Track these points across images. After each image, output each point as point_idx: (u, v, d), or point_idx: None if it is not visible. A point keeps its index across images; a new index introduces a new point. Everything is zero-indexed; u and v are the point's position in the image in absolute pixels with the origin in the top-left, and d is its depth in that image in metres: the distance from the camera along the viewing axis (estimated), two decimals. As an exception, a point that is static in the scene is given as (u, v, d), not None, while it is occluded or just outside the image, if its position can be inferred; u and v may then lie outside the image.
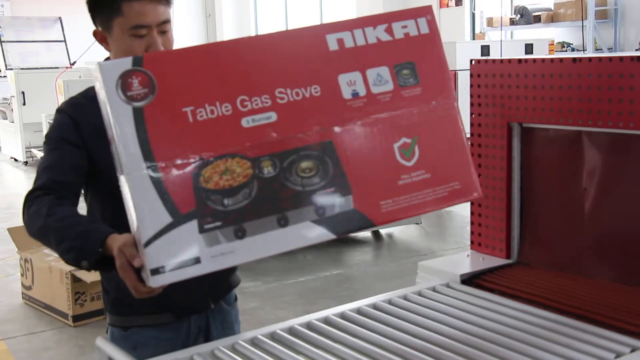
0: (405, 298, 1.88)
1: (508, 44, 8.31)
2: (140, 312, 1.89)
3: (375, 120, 1.46)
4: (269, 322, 1.75)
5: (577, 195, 1.95)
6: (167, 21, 1.82)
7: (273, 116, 1.40)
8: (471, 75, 2.14)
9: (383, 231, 6.64)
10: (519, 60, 2.01)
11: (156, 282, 1.32)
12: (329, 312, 1.78)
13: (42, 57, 12.46)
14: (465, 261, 2.13)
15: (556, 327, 1.65)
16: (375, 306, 1.83)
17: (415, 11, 1.53)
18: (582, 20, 7.92)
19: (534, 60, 1.97)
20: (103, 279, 1.97)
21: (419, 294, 1.91)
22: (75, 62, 9.50)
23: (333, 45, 1.46)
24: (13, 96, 11.61)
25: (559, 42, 10.33)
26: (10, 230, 5.21)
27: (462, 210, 6.89)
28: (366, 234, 6.52)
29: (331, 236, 1.41)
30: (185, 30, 16.62)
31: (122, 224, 1.62)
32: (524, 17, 10.72)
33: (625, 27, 9.86)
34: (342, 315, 1.77)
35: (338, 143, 1.43)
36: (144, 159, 1.32)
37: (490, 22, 11.40)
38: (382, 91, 1.47)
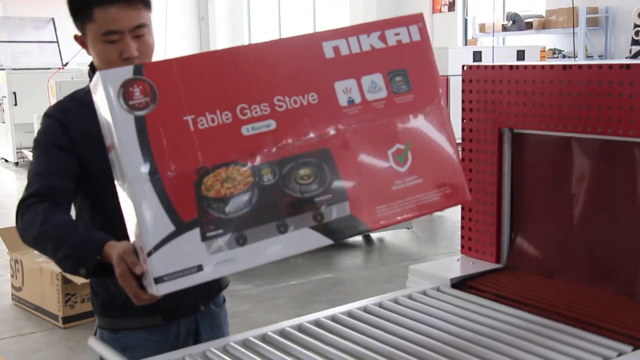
0: (395, 301, 1.90)
1: (500, 50, 8.35)
2: (129, 315, 1.88)
3: (370, 127, 1.48)
4: (260, 324, 1.76)
5: (566, 201, 1.97)
6: (141, 25, 1.77)
7: (272, 124, 1.41)
8: (463, 81, 2.16)
9: (374, 235, 6.65)
10: (510, 67, 2.03)
11: (160, 291, 1.33)
12: (320, 314, 1.79)
13: (35, 58, 12.42)
14: (455, 265, 2.15)
15: (544, 331, 1.67)
16: (366, 309, 1.84)
17: (407, 19, 1.56)
18: (573, 27, 7.96)
19: (525, 66, 1.99)
20: (92, 281, 1.96)
21: (410, 297, 1.93)
22: (67, 63, 9.47)
23: (329, 53, 1.48)
24: (5, 96, 11.58)
25: (550, 49, 10.38)
26: (0, 231, 5.20)
27: (453, 215, 6.91)
28: (357, 238, 6.53)
29: (329, 242, 1.44)
30: (179, 33, 16.61)
31: (112, 228, 1.63)
32: (516, 23, 10.77)
33: (616, 34, 9.93)
34: (333, 318, 1.79)
35: (335, 150, 1.45)
36: (146, 168, 1.33)
37: (482, 28, 11.45)
38: (377, 98, 1.50)
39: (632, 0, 9.24)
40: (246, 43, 17.78)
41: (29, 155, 11.05)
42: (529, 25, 10.57)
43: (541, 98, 1.94)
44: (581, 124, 1.85)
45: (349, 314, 1.81)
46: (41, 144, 1.82)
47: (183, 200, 1.34)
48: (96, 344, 1.64)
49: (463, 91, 2.16)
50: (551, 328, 1.68)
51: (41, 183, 1.74)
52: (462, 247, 2.24)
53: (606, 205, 1.89)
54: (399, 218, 1.49)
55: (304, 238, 1.42)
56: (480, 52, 7.74)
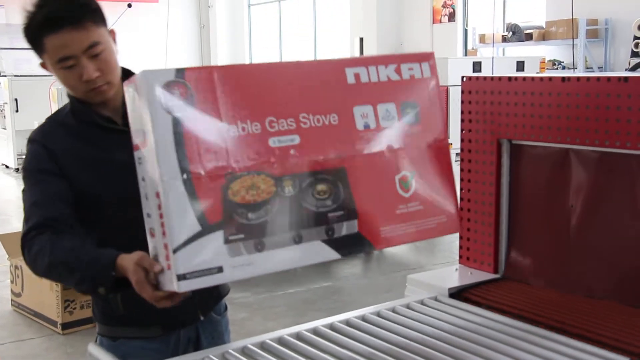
0: (393, 310, 1.91)
1: (500, 61, 8.37)
2: (128, 325, 1.88)
3: (382, 152, 1.58)
4: (258, 332, 1.77)
5: (564, 212, 1.98)
6: (94, 44, 1.73)
7: (296, 139, 1.48)
8: (462, 92, 2.17)
9: (373, 244, 6.66)
10: (509, 78, 2.04)
11: (181, 288, 1.37)
12: (318, 323, 1.80)
13: (36, 65, 12.34)
14: (453, 275, 2.16)
15: (541, 342, 1.67)
16: (364, 318, 1.85)
17: (421, 56, 1.66)
18: (573, 38, 8.00)
19: (524, 78, 2.01)
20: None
21: (408, 306, 1.93)
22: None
23: (351, 79, 1.57)
24: (6, 103, 11.60)
25: (550, 60, 10.42)
26: (0, 237, 5.20)
27: (452, 225, 6.91)
28: (356, 246, 6.55)
29: (337, 256, 1.52)
30: (180, 41, 16.66)
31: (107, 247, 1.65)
32: (516, 34, 10.82)
33: (616, 46, 9.97)
34: (331, 327, 1.79)
35: (350, 170, 1.53)
36: (180, 167, 1.37)
37: (482, 39, 11.49)
38: (388, 126, 1.59)
39: (632, 12, 9.29)
40: (247, 52, 17.75)
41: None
42: (529, 37, 10.62)
43: (540, 110, 1.95)
44: (579, 135, 1.87)
45: (347, 323, 1.82)
46: (31, 172, 1.80)
47: (210, 203, 1.39)
48: (95, 350, 1.65)
49: (462, 102, 2.17)
50: (548, 339, 1.69)
51: (40, 214, 1.72)
52: (460, 257, 2.25)
53: (604, 217, 1.90)
54: (399, 240, 1.60)
55: (315, 250, 1.49)
56: (480, 63, 7.75)
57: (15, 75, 11.91)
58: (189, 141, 1.38)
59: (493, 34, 10.52)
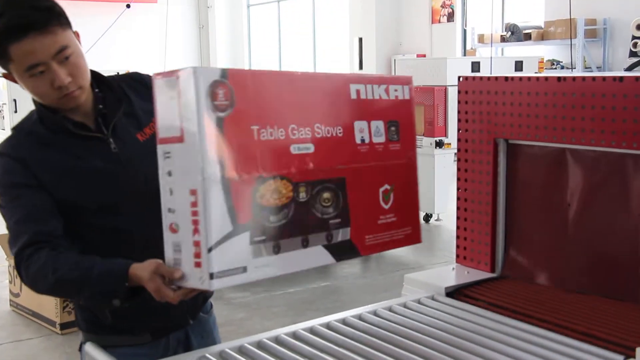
0: (390, 310, 1.91)
1: (498, 61, 8.37)
2: (117, 333, 1.83)
3: (372, 166, 1.68)
4: (256, 332, 1.77)
5: (560, 211, 1.98)
6: (63, 48, 1.64)
7: (311, 147, 1.55)
8: (459, 92, 2.18)
9: (372, 244, 6.67)
10: (506, 78, 2.05)
11: (213, 286, 1.40)
12: (315, 322, 1.81)
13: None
14: (450, 274, 2.17)
15: (537, 340, 1.68)
16: (360, 317, 1.86)
17: (403, 79, 1.78)
18: (571, 38, 8.01)
19: (520, 78, 2.02)
20: (75, 300, 1.89)
21: (404, 305, 1.94)
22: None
23: (353, 94, 1.66)
24: (5, 104, 11.59)
25: (548, 60, 10.42)
26: (-1, 237, 5.21)
27: (450, 225, 6.93)
28: (355, 246, 6.56)
29: (333, 261, 1.61)
30: (179, 41, 16.66)
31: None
32: (515, 34, 10.82)
33: (614, 46, 9.98)
34: (328, 326, 1.80)
35: (348, 180, 1.62)
36: (219, 167, 1.40)
37: (481, 39, 11.49)
38: (379, 142, 1.69)
39: (631, 12, 9.30)
40: (246, 52, 17.70)
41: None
42: (528, 36, 10.62)
43: (536, 109, 1.96)
44: (575, 135, 1.87)
45: (344, 322, 1.83)
46: (7, 187, 1.70)
47: (241, 204, 1.43)
48: (93, 349, 1.65)
49: (459, 102, 2.18)
50: (544, 337, 1.70)
51: (29, 231, 1.66)
52: (458, 256, 2.26)
53: (600, 215, 1.91)
54: (378, 249, 1.71)
55: (317, 254, 1.57)
56: (478, 63, 7.75)
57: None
58: (229, 142, 1.41)
59: (491, 34, 10.52)
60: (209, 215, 1.38)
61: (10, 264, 5.17)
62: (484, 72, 7.52)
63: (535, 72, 8.00)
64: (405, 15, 13.24)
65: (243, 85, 1.45)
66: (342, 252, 1.61)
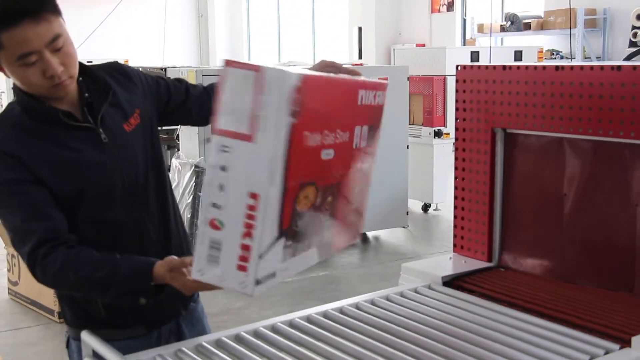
0: (387, 299, 1.91)
1: (497, 51, 8.36)
2: (110, 327, 1.80)
3: (357, 169, 1.68)
4: (254, 321, 1.78)
5: (557, 201, 1.99)
6: (57, 37, 1.58)
7: (332, 153, 1.52)
8: (457, 81, 2.18)
9: (370, 234, 6.67)
10: (504, 67, 2.05)
11: (256, 292, 1.38)
12: (312, 310, 1.81)
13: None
14: (447, 264, 2.17)
15: (533, 329, 1.68)
16: (357, 306, 1.86)
17: (382, 85, 1.75)
18: (570, 28, 7.99)
19: (518, 67, 2.01)
20: (64, 297, 1.83)
21: (401, 294, 1.94)
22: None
23: (359, 100, 1.64)
24: (3, 92, 11.58)
25: (548, 50, 10.40)
26: (-3, 226, 5.21)
27: (449, 214, 6.93)
28: (353, 236, 6.57)
29: (317, 260, 1.61)
30: (178, 30, 16.61)
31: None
32: (514, 24, 10.79)
33: (614, 36, 9.95)
34: (325, 315, 1.80)
35: (341, 185, 1.62)
36: (284, 173, 1.36)
37: (481, 29, 11.46)
38: (364, 146, 1.69)
39: (630, 1, 9.26)
40: (245, 41, 17.60)
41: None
42: (527, 26, 10.59)
43: (534, 99, 1.96)
44: (572, 124, 1.87)
45: (341, 311, 1.83)
46: (4, 185, 1.62)
47: (287, 210, 1.41)
48: (89, 338, 1.66)
49: (457, 91, 2.18)
50: (540, 326, 1.70)
51: (39, 229, 1.60)
52: (455, 245, 2.26)
53: (597, 205, 1.91)
54: (342, 247, 1.74)
55: (311, 255, 1.57)
56: (477, 53, 7.73)
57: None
58: (294, 149, 1.37)
59: (491, 24, 10.50)
60: (267, 222, 1.35)
61: (8, 253, 5.17)
62: (483, 62, 7.50)
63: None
64: (405, 5, 13.20)
65: (310, 91, 1.40)
66: (323, 251, 1.61)
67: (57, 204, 1.65)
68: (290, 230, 1.43)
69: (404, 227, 6.70)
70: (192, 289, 1.56)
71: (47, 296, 4.77)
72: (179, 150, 5.82)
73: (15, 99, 1.71)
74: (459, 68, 2.18)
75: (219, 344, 1.66)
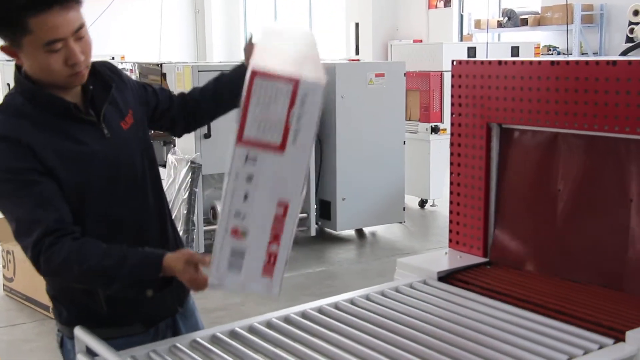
0: (382, 294, 1.91)
1: (494, 46, 8.34)
2: (109, 325, 1.79)
3: None
4: (249, 317, 1.77)
5: (552, 196, 1.98)
6: (82, 26, 1.61)
7: None
8: (452, 76, 2.17)
9: (367, 230, 6.66)
10: (499, 62, 2.04)
11: (278, 294, 1.44)
12: (307, 306, 1.81)
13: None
14: (443, 259, 2.17)
15: (528, 324, 1.68)
16: (352, 301, 1.86)
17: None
18: (567, 24, 7.97)
19: (514, 62, 2.01)
20: (61, 296, 1.86)
21: (397, 290, 1.94)
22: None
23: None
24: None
25: (545, 46, 10.39)
26: (-8, 221, 5.19)
27: (446, 210, 6.93)
28: (350, 232, 6.54)
29: None
30: (174, 26, 16.58)
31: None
32: (511, 20, 10.77)
33: (611, 32, 9.95)
34: (320, 310, 1.80)
35: None
36: (304, 183, 1.40)
37: (478, 24, 11.44)
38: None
39: (627, -3, 9.26)
40: (242, 37, 17.54)
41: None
42: (524, 22, 10.58)
43: (529, 94, 1.95)
44: (568, 119, 1.87)
45: (336, 306, 1.83)
46: (14, 174, 1.60)
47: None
48: (82, 334, 1.65)
49: (452, 86, 2.17)
50: (535, 321, 1.70)
51: (48, 218, 1.59)
52: (450, 241, 2.26)
53: (591, 200, 1.91)
54: None
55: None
56: (474, 48, 7.72)
57: (7, 60, 11.85)
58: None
59: (487, 19, 10.49)
60: (293, 232, 1.40)
61: (3, 249, 5.16)
62: (479, 57, 7.50)
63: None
64: (402, 1, 13.18)
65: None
66: None
67: (63, 196, 1.64)
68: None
69: (400, 222, 6.70)
70: (200, 286, 1.56)
71: (43, 292, 4.72)
72: (174, 146, 5.80)
73: (18, 89, 1.70)
74: (455, 63, 2.18)
75: (213, 340, 1.65)
